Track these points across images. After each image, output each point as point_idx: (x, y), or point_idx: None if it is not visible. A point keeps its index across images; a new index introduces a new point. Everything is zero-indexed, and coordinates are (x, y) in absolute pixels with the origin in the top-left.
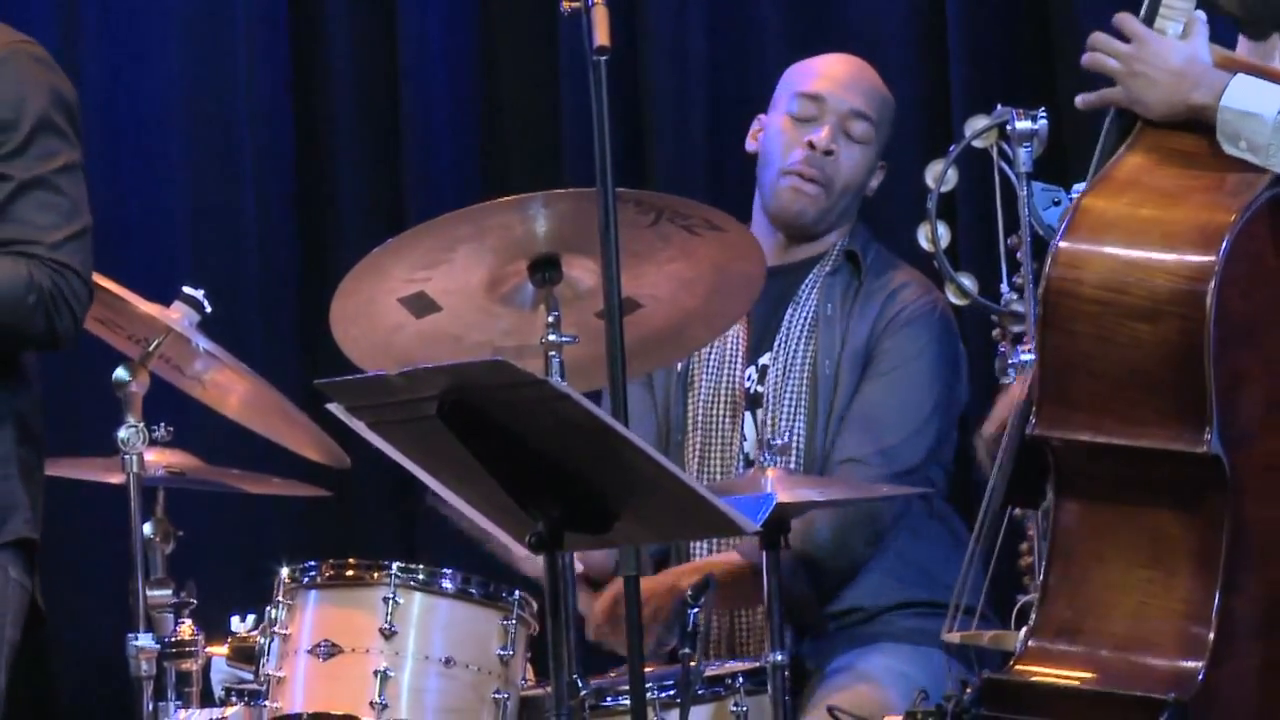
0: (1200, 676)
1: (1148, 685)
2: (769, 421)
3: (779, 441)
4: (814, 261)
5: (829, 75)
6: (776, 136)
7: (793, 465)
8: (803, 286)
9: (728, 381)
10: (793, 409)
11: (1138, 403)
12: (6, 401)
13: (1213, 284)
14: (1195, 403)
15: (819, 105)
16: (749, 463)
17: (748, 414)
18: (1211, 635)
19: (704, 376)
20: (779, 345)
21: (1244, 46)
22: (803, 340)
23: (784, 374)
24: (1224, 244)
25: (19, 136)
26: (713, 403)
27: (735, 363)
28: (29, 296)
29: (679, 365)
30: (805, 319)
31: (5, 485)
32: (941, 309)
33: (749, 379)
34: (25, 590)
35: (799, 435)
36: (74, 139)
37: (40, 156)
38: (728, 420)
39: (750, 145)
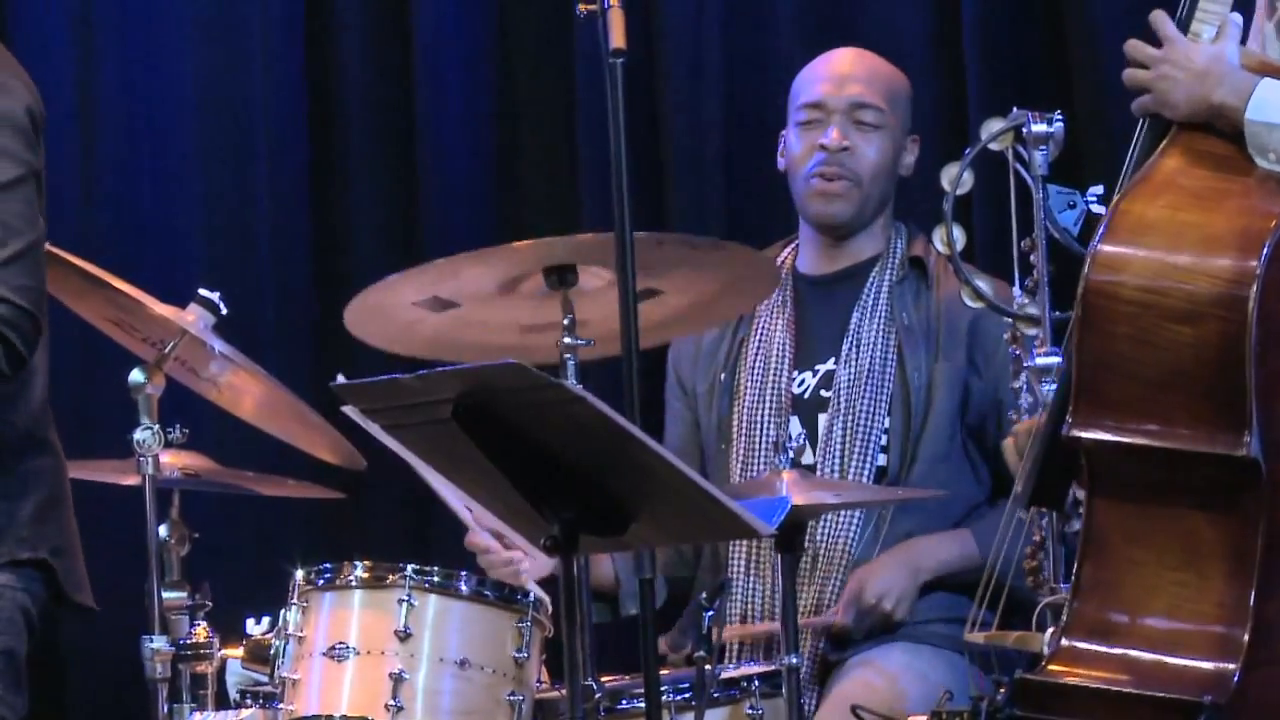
0: (1236, 679)
1: (1182, 687)
2: (839, 425)
3: (794, 445)
4: (868, 266)
5: (826, 77)
6: (793, 149)
7: (866, 472)
8: (865, 292)
9: (773, 387)
10: (869, 415)
11: (1175, 405)
12: None
13: (1255, 288)
14: (1234, 406)
15: (821, 110)
16: (795, 466)
17: (794, 418)
18: (1246, 638)
19: (749, 383)
20: (849, 351)
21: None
22: (879, 347)
23: (859, 380)
24: (1265, 249)
25: None
26: (758, 408)
27: (782, 369)
28: None
29: (722, 375)
30: (879, 325)
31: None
32: None
33: (799, 384)
34: (27, 600)
35: (876, 440)
36: (22, 152)
37: None
38: (771, 426)
39: (780, 163)
